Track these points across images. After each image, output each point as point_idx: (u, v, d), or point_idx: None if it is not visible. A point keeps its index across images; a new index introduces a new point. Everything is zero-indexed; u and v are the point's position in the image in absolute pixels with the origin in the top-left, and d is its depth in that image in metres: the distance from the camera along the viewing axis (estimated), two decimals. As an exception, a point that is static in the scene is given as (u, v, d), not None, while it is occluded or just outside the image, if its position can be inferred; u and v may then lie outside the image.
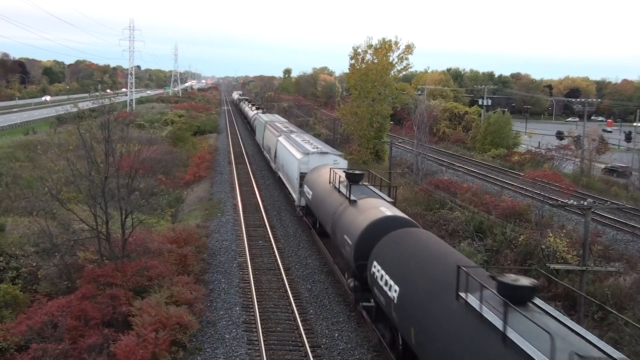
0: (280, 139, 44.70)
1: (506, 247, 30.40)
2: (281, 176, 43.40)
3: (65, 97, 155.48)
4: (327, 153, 35.46)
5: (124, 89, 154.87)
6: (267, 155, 53.69)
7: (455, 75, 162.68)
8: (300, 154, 35.78)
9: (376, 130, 59.67)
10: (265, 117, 65.97)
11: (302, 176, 33.81)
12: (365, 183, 27.11)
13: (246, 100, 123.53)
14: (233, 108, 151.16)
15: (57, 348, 17.22)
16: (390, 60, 58.95)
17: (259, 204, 40.04)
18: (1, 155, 55.92)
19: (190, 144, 70.30)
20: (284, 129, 51.99)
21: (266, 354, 18.82)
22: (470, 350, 11.82)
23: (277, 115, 76.61)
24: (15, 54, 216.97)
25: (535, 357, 10.19)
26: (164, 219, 34.91)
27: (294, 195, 35.99)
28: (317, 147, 37.72)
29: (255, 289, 24.15)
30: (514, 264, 28.11)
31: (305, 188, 31.87)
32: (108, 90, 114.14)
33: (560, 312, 12.94)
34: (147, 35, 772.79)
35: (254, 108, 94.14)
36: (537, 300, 12.44)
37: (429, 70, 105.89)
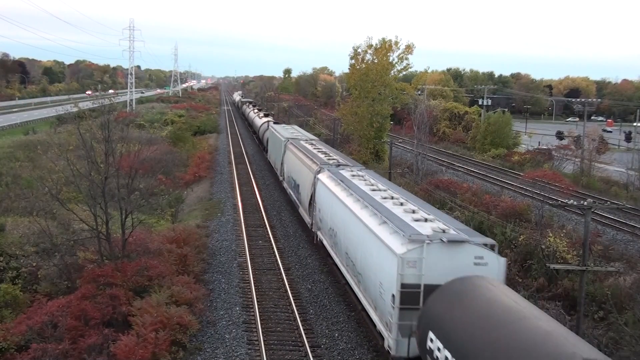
0: (326, 180, 26.98)
1: (506, 247, 30.41)
2: (329, 247, 25.52)
3: (65, 97, 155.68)
4: (463, 242, 16.43)
5: (111, 90, 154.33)
6: (292, 194, 36.76)
7: (455, 75, 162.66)
8: (398, 241, 16.92)
9: (376, 130, 59.60)
10: (284, 132, 47.26)
11: (411, 295, 15.98)
12: None
13: (249, 103, 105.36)
14: (233, 108, 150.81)
15: (57, 348, 17.23)
16: (390, 60, 58.83)
17: (259, 204, 40.04)
18: (1, 155, 55.95)
19: (190, 144, 70.34)
20: (322, 156, 33.13)
21: (266, 354, 18.83)
22: None
23: (296, 127, 56.82)
24: (15, 54, 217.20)
25: None
26: (164, 219, 34.96)
27: (382, 329, 17.72)
28: (428, 218, 18.75)
29: (255, 289, 24.16)
30: (513, 264, 28.11)
31: (441, 350, 13.33)
32: (88, 93, 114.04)
33: None
34: (147, 35, 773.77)
35: (261, 115, 73.81)
36: None
37: (429, 70, 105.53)
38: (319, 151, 35.66)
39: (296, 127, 57.49)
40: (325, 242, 26.52)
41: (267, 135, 56.99)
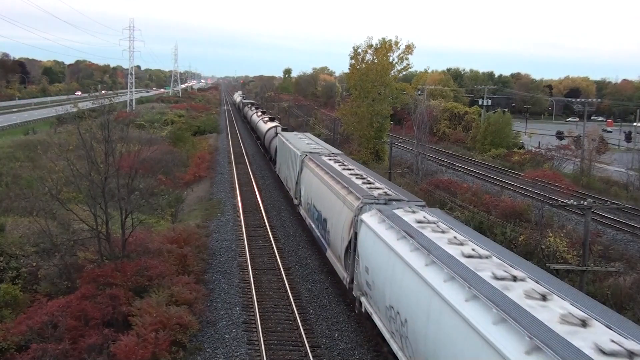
0: (377, 226, 18.42)
1: (506, 247, 30.41)
2: (386, 332, 17.32)
3: (65, 97, 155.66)
4: None
5: (104, 91, 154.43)
6: (315, 230, 28.14)
7: (455, 75, 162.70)
8: None
9: (376, 130, 59.69)
10: (298, 143, 38.20)
11: None
12: None
13: (252, 104, 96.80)
14: (234, 109, 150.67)
15: (57, 348, 17.22)
16: (391, 60, 58.96)
17: (259, 204, 40.03)
18: (1, 155, 55.93)
19: (190, 144, 70.36)
20: (361, 183, 24.23)
21: (266, 354, 18.83)
22: None
23: (310, 135, 47.20)
24: (15, 54, 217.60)
25: None
26: (164, 219, 34.94)
27: None
28: (635, 350, 9.24)
29: (255, 289, 24.15)
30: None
31: None
32: (78, 93, 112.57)
33: None
34: (147, 35, 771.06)
35: (266, 119, 64.87)
36: None
37: (429, 70, 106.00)
38: (353, 174, 26.34)
39: (310, 135, 47.99)
40: (377, 320, 18.15)
41: (275, 144, 48.43)
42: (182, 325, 19.04)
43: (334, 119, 76.72)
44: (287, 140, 40.62)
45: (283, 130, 51.96)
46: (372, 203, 20.92)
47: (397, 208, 19.69)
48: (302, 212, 32.32)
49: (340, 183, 24.66)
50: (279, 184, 45.07)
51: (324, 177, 27.56)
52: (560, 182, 44.01)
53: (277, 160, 45.89)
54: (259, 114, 73.52)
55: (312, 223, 29.17)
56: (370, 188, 23.32)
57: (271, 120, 63.71)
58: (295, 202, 34.78)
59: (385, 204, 20.93)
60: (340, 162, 30.63)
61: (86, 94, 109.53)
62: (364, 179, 25.56)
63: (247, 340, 19.94)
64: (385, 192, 22.77)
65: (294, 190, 35.03)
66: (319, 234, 27.28)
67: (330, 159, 31.54)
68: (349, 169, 28.30)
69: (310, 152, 33.88)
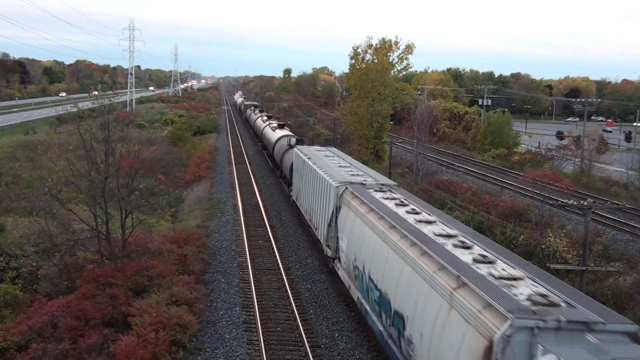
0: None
1: (506, 247, 30.40)
2: None
3: (64, 97, 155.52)
4: None
5: (96, 92, 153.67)
6: (383, 331, 16.67)
7: (455, 75, 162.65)
8: None
9: (376, 130, 59.68)
10: (328, 166, 28.02)
11: None
12: None
13: (254, 107, 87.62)
14: (234, 109, 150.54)
15: (57, 348, 17.23)
16: (390, 60, 58.93)
17: (259, 203, 40.03)
18: (1, 155, 55.92)
19: (190, 144, 70.35)
20: (485, 272, 12.64)
21: (266, 354, 18.83)
22: None
23: (335, 151, 36.11)
24: (15, 54, 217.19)
25: None
26: (164, 219, 34.95)
27: None
28: None
29: (255, 289, 24.15)
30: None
31: None
32: (62, 94, 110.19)
33: None
34: (147, 35, 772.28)
35: (275, 125, 54.88)
36: None
37: (429, 70, 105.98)
38: (444, 236, 15.87)
39: (336, 150, 36.39)
40: None
41: (289, 160, 38.60)
42: (182, 325, 19.05)
43: (334, 119, 76.73)
44: (309, 159, 30.47)
45: (298, 142, 41.16)
46: (532, 327, 10.18)
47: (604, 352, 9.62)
48: (343, 274, 22.00)
49: (429, 255, 14.22)
50: (279, 184, 45.02)
51: (387, 233, 17.00)
52: (560, 182, 43.98)
53: (294, 184, 35.34)
54: (265, 118, 64.25)
55: (364, 302, 18.81)
56: (501, 279, 12.39)
57: (280, 127, 53.06)
58: (328, 252, 24.39)
59: (558, 328, 10.20)
60: (404, 204, 20.02)
61: (79, 95, 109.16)
62: (466, 247, 14.84)
63: (247, 340, 19.94)
64: (538, 291, 11.68)
65: (325, 235, 24.71)
66: (382, 329, 16.77)
67: (385, 198, 20.93)
68: (429, 221, 17.51)
69: (351, 183, 23.37)
